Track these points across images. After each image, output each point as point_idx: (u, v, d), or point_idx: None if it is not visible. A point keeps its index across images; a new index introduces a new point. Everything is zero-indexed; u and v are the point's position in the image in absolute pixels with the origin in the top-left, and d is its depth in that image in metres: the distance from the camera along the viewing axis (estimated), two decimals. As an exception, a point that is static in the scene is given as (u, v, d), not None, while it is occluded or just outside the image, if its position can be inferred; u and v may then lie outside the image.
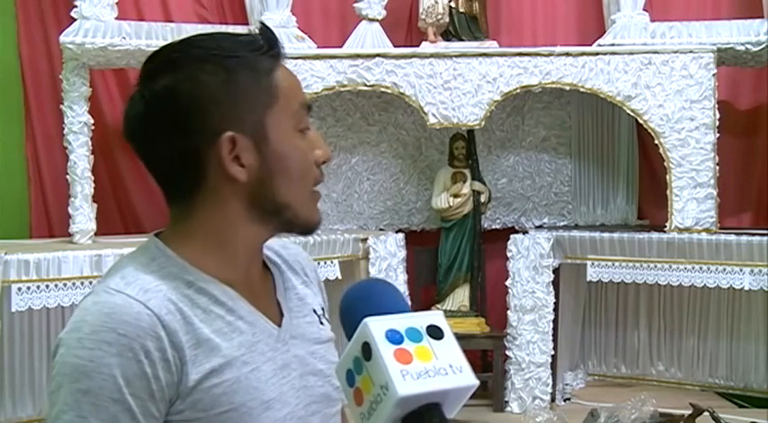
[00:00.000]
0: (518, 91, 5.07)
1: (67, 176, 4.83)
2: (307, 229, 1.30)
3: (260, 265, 1.34)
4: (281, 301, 1.33)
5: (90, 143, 4.87)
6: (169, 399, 1.15)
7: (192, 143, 1.22)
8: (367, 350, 0.98)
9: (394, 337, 0.99)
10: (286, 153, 1.25)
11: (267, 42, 1.27)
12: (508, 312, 5.04)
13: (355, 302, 1.07)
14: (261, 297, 1.29)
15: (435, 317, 1.04)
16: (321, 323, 1.36)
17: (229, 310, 1.23)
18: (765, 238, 4.61)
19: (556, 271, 5.08)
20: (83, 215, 4.80)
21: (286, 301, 1.34)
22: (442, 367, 0.99)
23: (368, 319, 0.99)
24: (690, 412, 3.79)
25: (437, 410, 0.99)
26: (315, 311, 1.37)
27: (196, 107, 1.22)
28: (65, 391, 1.12)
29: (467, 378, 1.00)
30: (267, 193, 1.24)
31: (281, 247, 1.42)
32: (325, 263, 4.80)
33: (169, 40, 4.75)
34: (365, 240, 5.05)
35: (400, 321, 1.01)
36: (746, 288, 4.71)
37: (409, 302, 1.15)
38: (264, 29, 1.29)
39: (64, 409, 1.11)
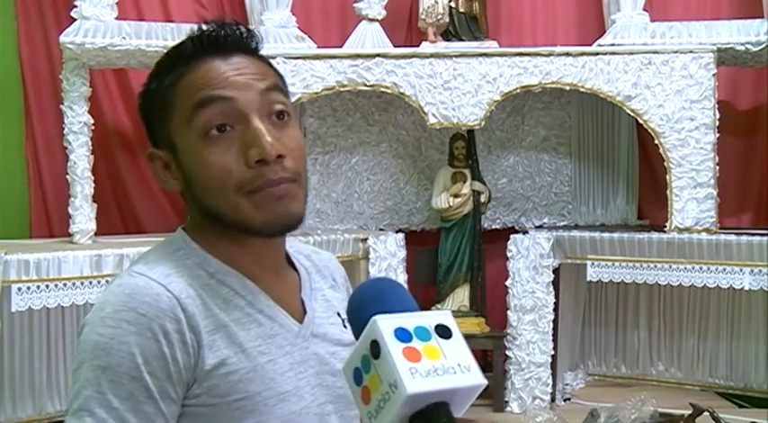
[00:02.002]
0: (518, 91, 5.06)
1: (67, 176, 4.83)
2: (256, 231, 1.25)
3: (280, 264, 1.35)
4: (305, 301, 1.34)
5: (90, 143, 4.87)
6: (187, 382, 1.17)
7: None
8: (376, 348, 0.98)
9: (403, 335, 0.99)
10: (192, 164, 1.25)
11: (194, 44, 1.26)
12: (508, 312, 5.04)
13: (364, 301, 1.07)
14: (285, 295, 1.31)
15: (444, 316, 1.04)
16: (345, 327, 1.37)
17: (249, 303, 1.25)
18: (765, 238, 4.61)
19: (556, 271, 5.08)
20: (83, 215, 4.80)
21: (311, 300, 1.35)
22: (450, 366, 0.99)
23: (377, 317, 0.99)
24: (690, 412, 3.79)
25: (445, 409, 0.99)
26: (339, 315, 1.38)
27: (144, 125, 1.33)
28: (86, 367, 1.14)
29: (475, 377, 1.00)
30: (198, 201, 1.27)
31: (313, 252, 1.45)
32: (325, 263, 4.79)
33: (169, 40, 4.76)
34: (365, 240, 5.05)
35: (409, 320, 1.01)
36: (746, 288, 4.71)
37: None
38: (200, 28, 1.27)
39: (85, 384, 1.13)
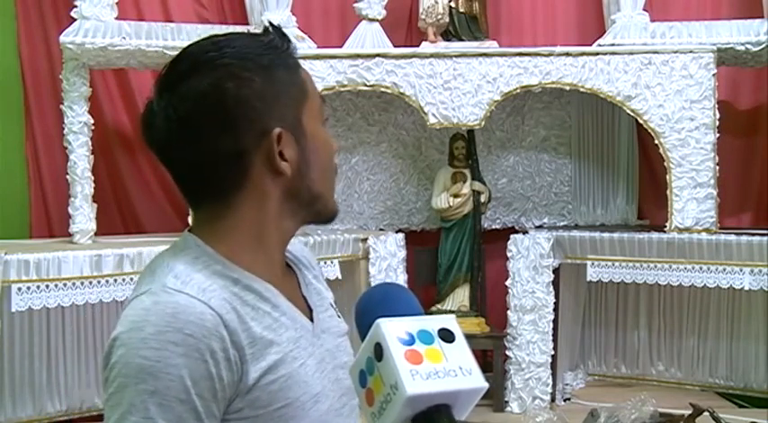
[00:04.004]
0: (518, 91, 5.06)
1: (67, 176, 4.83)
2: (331, 217, 1.35)
3: (284, 263, 1.36)
4: (306, 297, 1.35)
5: (90, 143, 4.87)
6: (229, 398, 1.16)
7: (240, 141, 1.23)
8: (379, 350, 0.99)
9: (405, 338, 0.99)
10: (318, 146, 1.31)
11: (282, 40, 1.30)
12: (508, 312, 5.04)
13: (370, 305, 1.08)
14: (290, 293, 1.31)
15: (447, 320, 1.04)
16: (339, 316, 1.40)
17: (274, 307, 1.24)
18: (765, 238, 4.62)
19: (556, 271, 5.08)
20: (83, 215, 4.80)
21: (310, 296, 1.36)
22: (451, 369, 0.99)
23: (380, 320, 1.01)
24: (690, 412, 3.80)
25: (446, 412, 0.99)
26: (332, 305, 1.40)
27: (243, 105, 1.22)
28: (131, 391, 1.11)
29: (476, 380, 1.01)
30: (305, 185, 1.28)
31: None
32: (326, 263, 4.79)
33: (169, 40, 4.73)
34: (365, 240, 5.05)
35: (412, 323, 1.02)
36: (746, 288, 4.71)
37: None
38: (275, 28, 1.30)
39: (130, 410, 1.11)
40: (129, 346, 1.13)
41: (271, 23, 1.31)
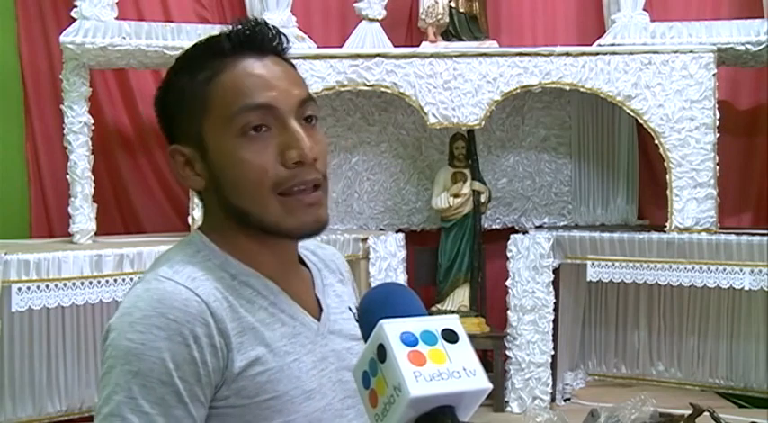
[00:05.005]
0: (518, 91, 5.07)
1: (67, 176, 4.83)
2: (283, 234, 1.27)
3: (296, 263, 1.37)
4: (319, 297, 1.36)
5: (90, 143, 4.88)
6: (215, 384, 1.18)
7: (167, 153, 1.32)
8: (382, 352, 0.99)
9: (408, 339, 0.99)
10: (225, 162, 1.24)
11: (231, 42, 1.27)
12: (508, 312, 5.04)
13: (373, 305, 1.08)
14: (300, 293, 1.32)
15: (451, 321, 1.04)
16: (357, 320, 1.38)
17: (272, 303, 1.26)
18: (765, 238, 4.62)
19: (556, 271, 5.08)
20: (83, 215, 4.80)
21: (324, 297, 1.37)
22: (455, 370, 0.99)
23: (383, 321, 1.00)
24: (690, 412, 3.79)
25: (450, 413, 0.99)
26: (351, 309, 1.40)
27: (162, 121, 1.32)
28: (116, 372, 1.15)
29: (480, 381, 1.00)
30: (224, 200, 1.27)
31: (317, 246, 1.46)
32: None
33: (169, 41, 4.72)
34: (365, 240, 5.05)
35: (415, 324, 1.01)
36: (746, 288, 4.71)
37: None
38: (245, 25, 1.28)
39: (115, 390, 1.15)
40: (119, 330, 1.17)
41: (242, 20, 1.30)
